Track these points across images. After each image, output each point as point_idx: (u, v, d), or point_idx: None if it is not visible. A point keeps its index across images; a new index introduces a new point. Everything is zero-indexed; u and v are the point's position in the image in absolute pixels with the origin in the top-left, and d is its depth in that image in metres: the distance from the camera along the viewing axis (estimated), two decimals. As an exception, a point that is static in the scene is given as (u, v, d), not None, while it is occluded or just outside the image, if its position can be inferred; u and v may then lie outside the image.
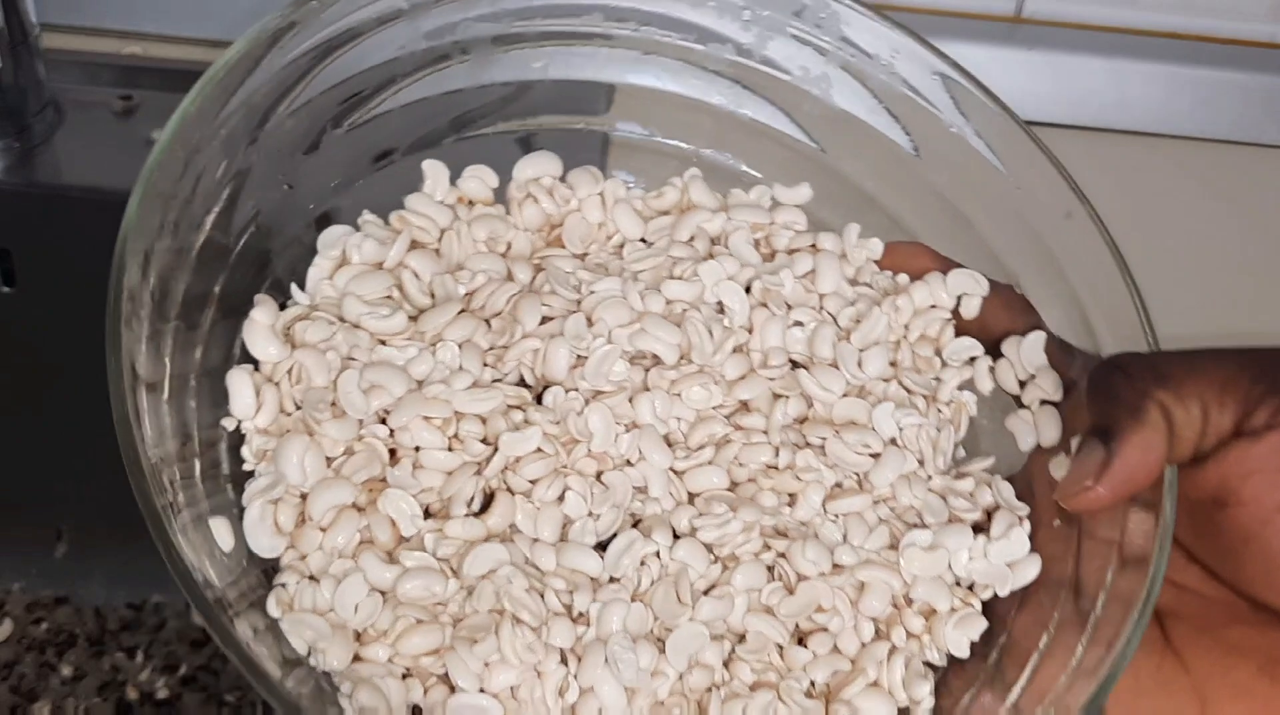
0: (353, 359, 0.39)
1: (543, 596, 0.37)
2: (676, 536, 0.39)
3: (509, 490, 0.38)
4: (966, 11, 0.71)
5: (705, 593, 0.38)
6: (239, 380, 0.38)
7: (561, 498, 0.38)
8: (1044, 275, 0.43)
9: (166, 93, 0.64)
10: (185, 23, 0.69)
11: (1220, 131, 0.71)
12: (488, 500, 0.39)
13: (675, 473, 0.40)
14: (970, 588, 0.40)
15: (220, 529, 0.36)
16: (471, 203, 0.44)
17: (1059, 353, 0.41)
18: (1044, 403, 0.41)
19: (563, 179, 0.45)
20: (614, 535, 0.38)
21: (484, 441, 0.39)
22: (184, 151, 0.38)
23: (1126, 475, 0.36)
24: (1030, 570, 0.39)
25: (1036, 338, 0.41)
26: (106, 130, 0.62)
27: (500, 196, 0.44)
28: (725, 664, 0.38)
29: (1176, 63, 0.70)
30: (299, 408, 0.39)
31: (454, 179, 0.44)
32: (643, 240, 0.44)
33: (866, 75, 0.45)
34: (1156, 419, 0.36)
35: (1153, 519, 0.37)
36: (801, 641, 0.39)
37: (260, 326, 0.39)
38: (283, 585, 0.37)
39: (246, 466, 0.38)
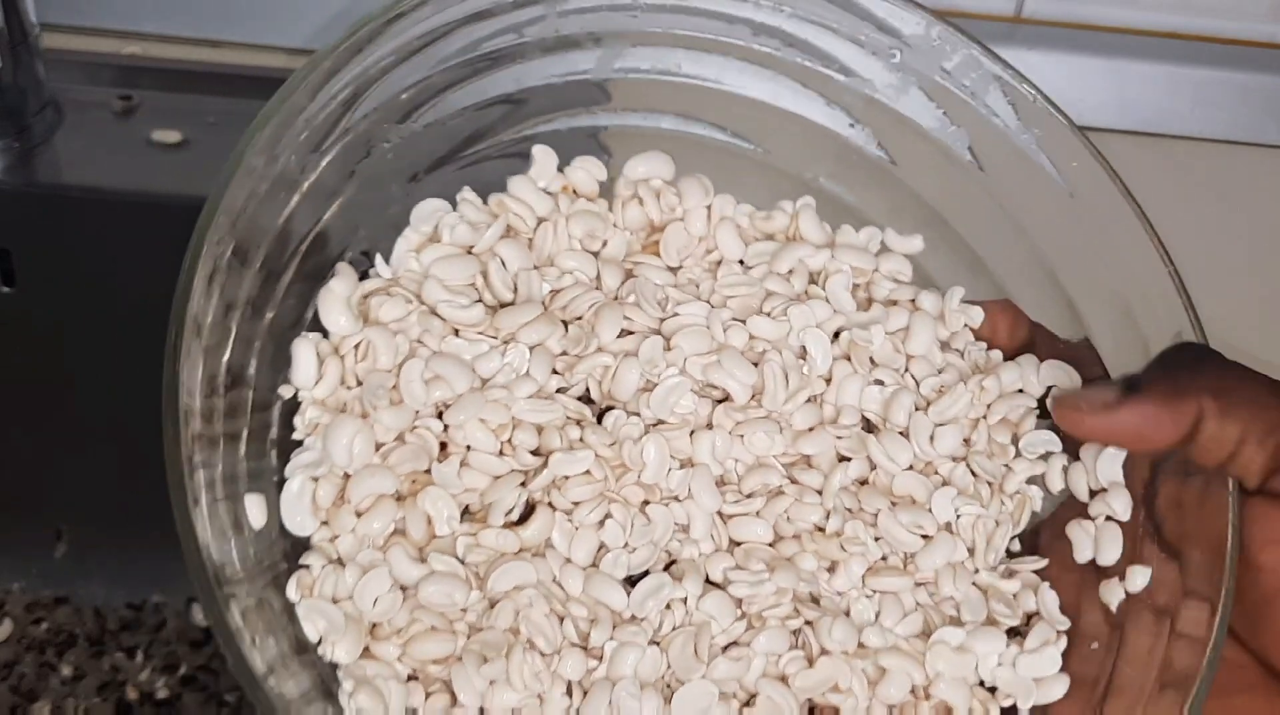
0: (421, 344, 0.39)
1: (561, 622, 0.37)
2: (709, 581, 0.38)
3: (550, 506, 0.38)
4: (966, 12, 0.71)
5: (724, 649, 0.38)
6: (304, 350, 0.38)
7: (602, 524, 0.38)
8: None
9: (166, 93, 0.64)
10: (185, 23, 0.69)
11: (1220, 131, 0.71)
12: (528, 510, 0.38)
13: (721, 517, 0.39)
14: (992, 691, 0.39)
15: (253, 506, 0.36)
16: (576, 194, 0.43)
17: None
18: (1109, 520, 0.40)
19: (673, 183, 0.44)
20: (645, 572, 0.38)
21: (535, 452, 0.39)
22: (287, 123, 0.37)
23: (1118, 426, 0.36)
24: (1057, 690, 0.38)
25: (1116, 453, 0.39)
26: (106, 130, 0.62)
27: (605, 190, 0.43)
28: None
29: (1176, 63, 0.70)
30: (360, 384, 0.38)
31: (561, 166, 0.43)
32: (740, 263, 0.43)
33: (1005, 143, 0.44)
34: (1186, 414, 0.35)
35: (1200, 650, 0.36)
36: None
37: (336, 297, 0.39)
38: (307, 567, 0.37)
39: (296, 436, 0.38)
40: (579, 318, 0.40)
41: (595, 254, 0.42)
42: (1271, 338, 0.61)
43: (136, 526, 0.68)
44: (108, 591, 0.69)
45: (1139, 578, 0.38)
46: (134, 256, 0.60)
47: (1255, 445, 0.35)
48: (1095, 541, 0.39)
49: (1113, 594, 0.39)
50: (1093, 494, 0.40)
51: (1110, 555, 0.39)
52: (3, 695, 0.64)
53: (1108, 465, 0.39)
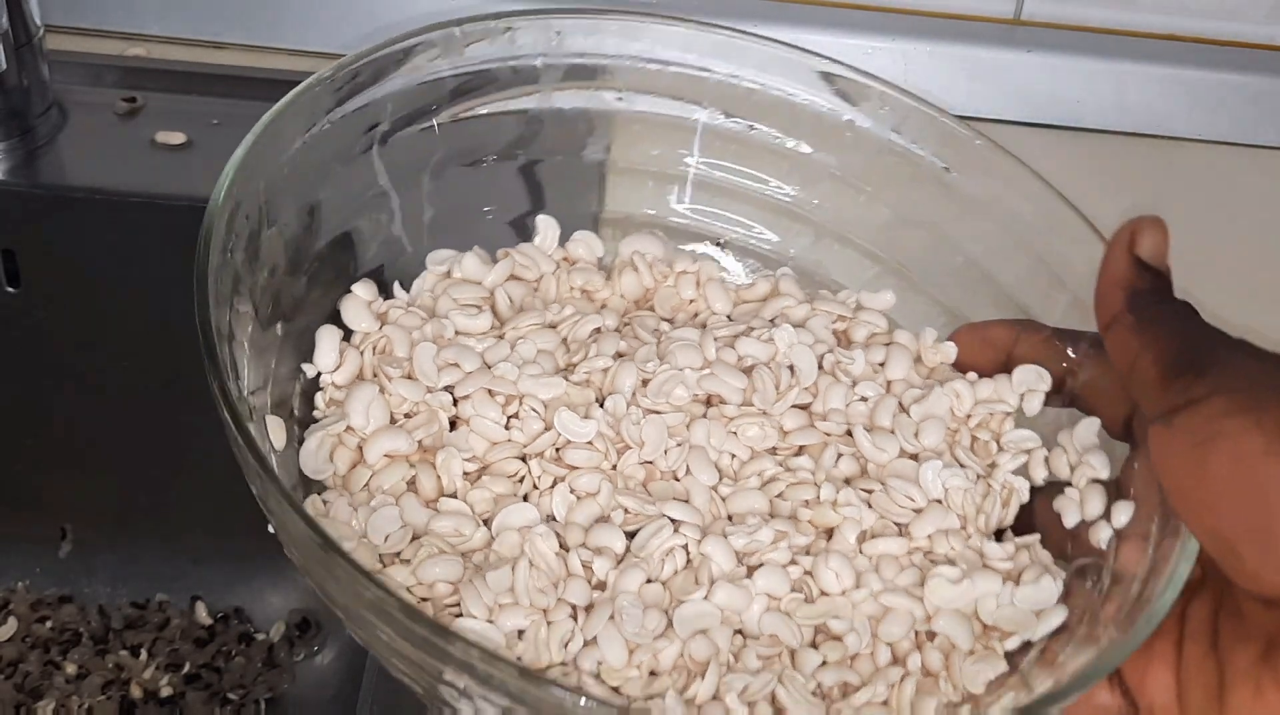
0: (433, 343, 0.42)
1: (567, 557, 0.38)
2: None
3: (553, 480, 0.40)
4: (966, 13, 0.71)
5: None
6: (327, 336, 0.42)
7: (599, 490, 0.40)
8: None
9: (170, 94, 0.65)
10: (188, 24, 0.69)
11: (1217, 133, 0.71)
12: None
13: (718, 494, 0.41)
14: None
15: (274, 427, 0.39)
16: (574, 264, 0.47)
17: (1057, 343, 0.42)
18: (1092, 481, 0.41)
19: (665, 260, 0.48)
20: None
21: (544, 428, 0.41)
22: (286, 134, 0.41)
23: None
24: (1056, 618, 0.39)
25: (1090, 422, 0.42)
26: (110, 132, 0.62)
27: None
28: (735, 656, 0.38)
29: (1174, 65, 0.70)
30: (376, 376, 0.41)
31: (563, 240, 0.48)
32: (729, 318, 0.46)
33: (949, 185, 0.47)
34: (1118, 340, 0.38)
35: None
36: (815, 649, 0.39)
37: (358, 301, 0.43)
38: (323, 497, 0.39)
39: (316, 414, 0.41)
40: (580, 342, 0.44)
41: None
42: (1271, 339, 0.62)
43: (140, 525, 0.68)
44: (112, 590, 0.69)
45: (1123, 514, 0.40)
46: (138, 257, 0.60)
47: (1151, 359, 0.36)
48: (1081, 504, 0.41)
49: (1102, 534, 0.40)
50: (1072, 469, 0.42)
51: (1094, 509, 0.41)
52: (7, 693, 0.65)
53: (1084, 431, 0.42)
